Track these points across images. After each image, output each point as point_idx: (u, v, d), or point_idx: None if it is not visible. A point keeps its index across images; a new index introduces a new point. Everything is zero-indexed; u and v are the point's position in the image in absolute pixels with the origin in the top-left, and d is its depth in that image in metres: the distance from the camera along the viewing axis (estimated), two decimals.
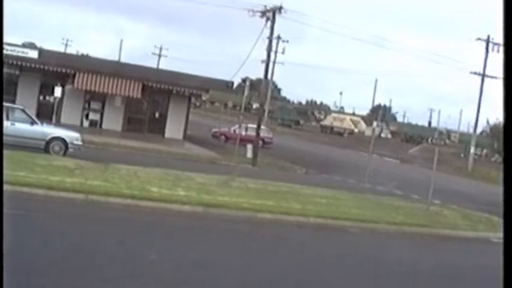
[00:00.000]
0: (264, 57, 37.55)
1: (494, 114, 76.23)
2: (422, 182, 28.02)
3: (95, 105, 38.37)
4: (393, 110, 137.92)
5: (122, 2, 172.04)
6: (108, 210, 15.20)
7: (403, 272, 12.88)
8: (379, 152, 47.47)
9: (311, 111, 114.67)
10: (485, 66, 53.91)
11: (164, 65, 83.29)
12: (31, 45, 58.06)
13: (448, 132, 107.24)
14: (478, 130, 63.80)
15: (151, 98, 39.12)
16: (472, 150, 56.62)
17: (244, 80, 45.36)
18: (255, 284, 10.47)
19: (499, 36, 53.46)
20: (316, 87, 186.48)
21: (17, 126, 22.76)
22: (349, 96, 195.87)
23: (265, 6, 35.52)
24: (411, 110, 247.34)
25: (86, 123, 37.67)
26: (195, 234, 14.14)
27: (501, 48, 52.45)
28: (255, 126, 37.66)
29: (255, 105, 76.52)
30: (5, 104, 22.39)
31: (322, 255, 13.76)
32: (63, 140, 24.08)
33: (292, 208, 18.42)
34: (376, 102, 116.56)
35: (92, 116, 38.29)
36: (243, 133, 39.10)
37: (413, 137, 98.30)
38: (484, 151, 77.90)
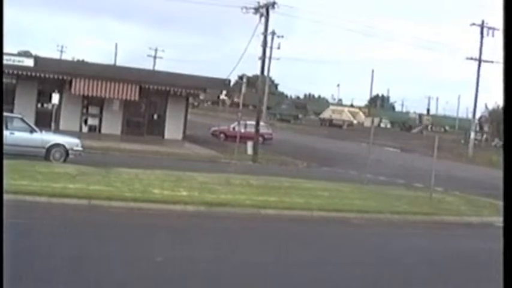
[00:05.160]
0: (260, 53, 37.56)
1: (493, 99, 76.22)
2: (423, 170, 28.02)
3: (93, 110, 38.39)
4: (391, 100, 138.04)
5: (114, 6, 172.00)
6: (111, 214, 15.21)
7: (411, 260, 12.89)
8: (379, 142, 47.46)
9: (309, 105, 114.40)
10: (481, 51, 53.91)
11: (160, 66, 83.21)
12: (26, 54, 58.08)
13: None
14: (477, 115, 63.73)
15: (149, 100, 39.14)
16: (472, 135, 56.63)
17: (241, 77, 45.33)
18: (269, 279, 10.47)
19: (493, 21, 53.50)
20: (313, 80, 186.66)
21: (16, 135, 22.73)
22: (346, 88, 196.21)
23: (259, 3, 35.58)
24: (409, 98, 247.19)
25: (85, 129, 37.68)
26: (199, 234, 14.13)
27: (496, 33, 52.50)
28: (253, 122, 37.65)
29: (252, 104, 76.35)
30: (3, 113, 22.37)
31: (326, 248, 13.76)
32: (63, 147, 24.08)
33: (295, 203, 18.44)
34: (374, 93, 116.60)
35: (90, 121, 38.32)
36: (243, 130, 39.12)
37: (412, 126, 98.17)
38: (484, 136, 77.81)
